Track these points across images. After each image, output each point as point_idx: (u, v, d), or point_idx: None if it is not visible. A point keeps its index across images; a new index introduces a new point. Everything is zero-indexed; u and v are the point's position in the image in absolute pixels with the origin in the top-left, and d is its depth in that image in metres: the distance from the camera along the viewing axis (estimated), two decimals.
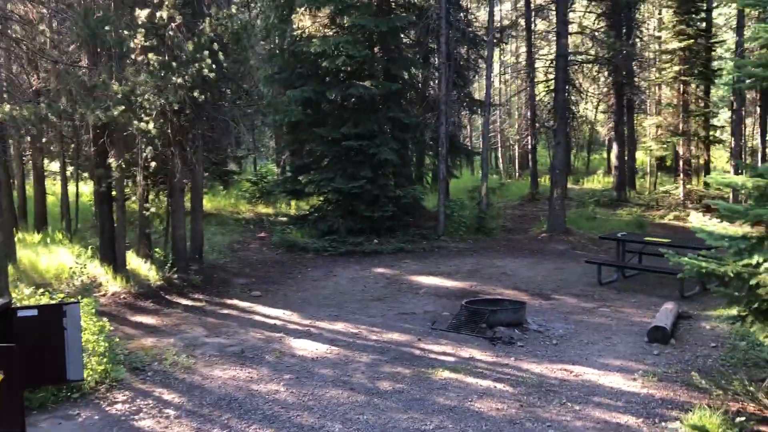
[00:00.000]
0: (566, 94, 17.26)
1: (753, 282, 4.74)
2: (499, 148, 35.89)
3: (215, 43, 11.15)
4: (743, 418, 5.50)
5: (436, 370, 7.84)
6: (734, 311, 5.60)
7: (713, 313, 10.19)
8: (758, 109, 21.49)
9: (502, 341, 8.90)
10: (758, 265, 4.65)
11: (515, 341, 8.92)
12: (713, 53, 20.69)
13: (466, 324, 9.54)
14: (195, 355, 8.69)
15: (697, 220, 4.77)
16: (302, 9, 17.31)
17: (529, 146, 26.13)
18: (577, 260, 14.84)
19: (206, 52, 10.79)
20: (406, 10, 17.20)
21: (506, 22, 27.00)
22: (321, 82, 16.92)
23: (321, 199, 18.22)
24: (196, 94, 11.02)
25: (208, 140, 14.63)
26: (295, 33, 17.50)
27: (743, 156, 21.49)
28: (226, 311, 11.03)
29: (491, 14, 17.58)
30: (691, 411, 6.00)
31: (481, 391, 7.16)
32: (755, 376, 6.86)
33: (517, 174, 33.54)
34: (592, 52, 22.78)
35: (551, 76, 27.62)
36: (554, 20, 28.16)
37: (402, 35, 17.80)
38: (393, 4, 17.80)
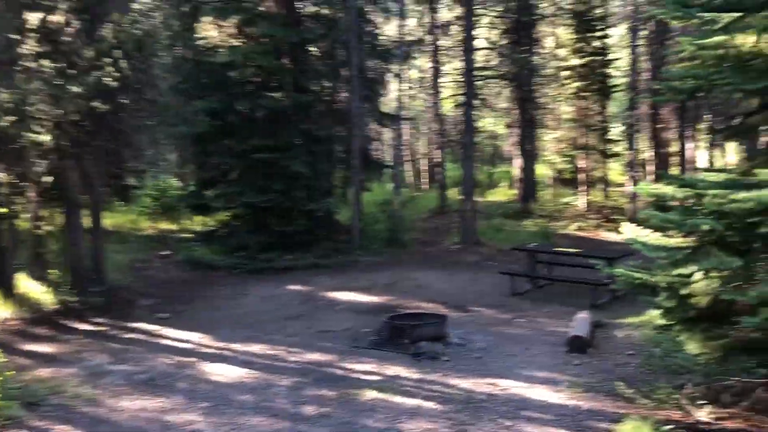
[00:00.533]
0: (474, 108, 17.51)
1: (684, 291, 4.82)
2: (407, 162, 36.16)
3: (117, 50, 10.50)
4: (671, 426, 5.59)
5: (363, 391, 7.58)
6: (661, 320, 5.69)
7: (625, 321, 10.50)
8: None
9: (426, 357, 8.76)
10: (690, 274, 4.74)
11: (439, 356, 8.80)
12: (609, 70, 21.67)
13: (389, 340, 9.34)
14: (99, 385, 8.02)
15: (630, 231, 4.81)
16: (208, 18, 16.76)
17: (437, 160, 26.45)
18: (490, 271, 15.00)
19: (107, 60, 10.13)
20: (316, 22, 16.95)
21: (410, 38, 27.35)
22: (228, 93, 16.36)
23: (229, 213, 17.58)
24: (96, 103, 10.31)
25: (108, 153, 13.77)
26: (200, 43, 16.89)
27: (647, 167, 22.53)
28: (131, 335, 10.32)
29: (401, 28, 17.63)
30: (620, 422, 6.05)
31: (410, 411, 6.96)
32: (675, 382, 7.04)
33: (425, 187, 33.91)
34: (497, 67, 23.30)
35: (458, 91, 28.25)
36: (457, 37, 28.86)
37: (312, 47, 17.52)
38: (302, 15, 17.51)
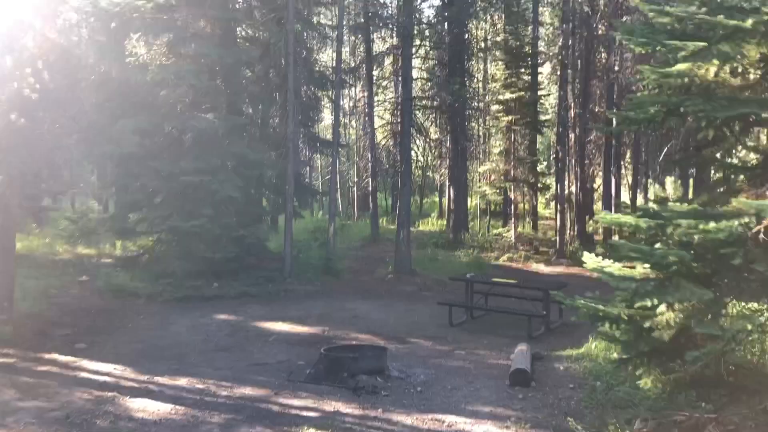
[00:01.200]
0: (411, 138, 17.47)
1: (646, 324, 4.70)
2: (338, 190, 35.94)
3: (39, 61, 9.81)
4: None
5: (301, 429, 7.12)
6: (616, 353, 5.55)
7: (563, 353, 10.46)
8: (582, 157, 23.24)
9: (366, 391, 8.38)
10: (654, 307, 4.62)
11: (379, 390, 8.44)
12: (539, 105, 22.19)
13: (326, 374, 8.91)
14: (6, 424, 7.23)
15: (592, 261, 4.67)
16: (137, 35, 16.14)
17: (369, 188, 26.32)
18: (425, 302, 14.83)
19: (28, 70, 9.43)
20: (252, 44, 16.57)
21: (346, 65, 27.31)
22: (157, 112, 15.72)
23: (152, 239, 16.77)
24: (13, 117, 9.56)
25: (23, 171, 12.83)
26: (129, 60, 16.21)
27: (563, 200, 23.00)
28: (44, 368, 9.47)
29: (339, 54, 17.48)
30: None
31: None
32: (622, 417, 6.93)
33: (356, 216, 33.69)
34: (429, 98, 23.48)
35: (392, 120, 28.30)
36: (392, 67, 29.03)
37: (248, 69, 17.12)
38: (237, 37, 17.12)
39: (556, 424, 7.12)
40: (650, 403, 7.16)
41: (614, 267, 4.58)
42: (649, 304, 4.63)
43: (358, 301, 14.71)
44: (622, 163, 24.82)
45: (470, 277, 13.26)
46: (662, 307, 4.63)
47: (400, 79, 28.22)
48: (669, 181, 8.12)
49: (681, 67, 4.43)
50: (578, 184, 22.81)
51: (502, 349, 10.84)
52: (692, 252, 3.99)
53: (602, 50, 21.47)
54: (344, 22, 17.71)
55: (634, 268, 4.65)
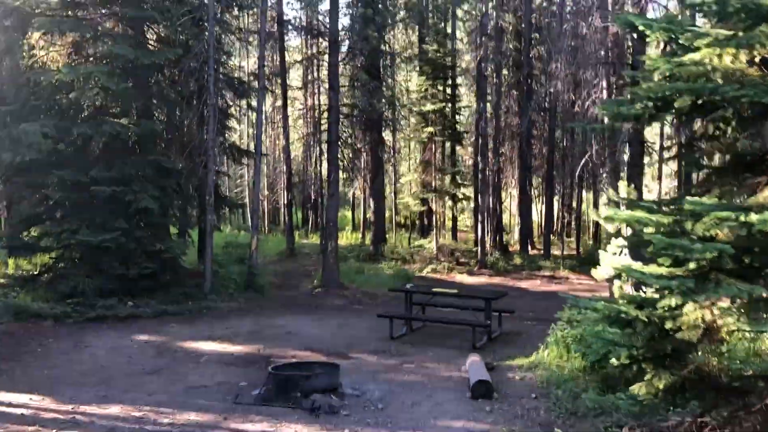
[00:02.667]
0: (338, 147, 16.97)
1: (668, 326, 4.46)
2: (249, 203, 34.81)
3: None
4: None
5: None
6: (619, 359, 5.30)
7: (512, 362, 10.24)
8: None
9: (324, 411, 7.77)
10: (677, 307, 4.39)
11: (338, 410, 7.85)
12: (458, 117, 22.30)
13: (277, 394, 8.22)
14: None
15: (612, 261, 4.37)
16: (39, 34, 14.78)
17: (284, 201, 25.53)
18: (359, 315, 14.35)
19: None
20: (168, 46, 15.54)
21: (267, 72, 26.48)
22: (63, 116, 14.43)
23: (54, 255, 15.32)
24: None
25: None
26: (29, 60, 14.82)
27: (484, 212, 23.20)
28: None
29: (262, 58, 16.75)
30: None
31: None
32: (600, 424, 6.72)
33: (266, 230, 32.67)
34: (348, 109, 23.06)
35: (307, 131, 27.69)
36: (302, 77, 28.47)
37: (162, 73, 16.06)
38: (151, 39, 16.05)
39: None
40: (627, 409, 7.01)
41: (642, 266, 4.31)
42: (673, 303, 4.42)
43: (287, 317, 14.00)
44: (532, 176, 25.43)
45: (410, 288, 12.86)
46: (689, 306, 4.42)
47: (318, 87, 27.85)
48: (621, 185, 8.14)
49: (697, 56, 4.27)
50: (496, 195, 23.08)
51: (449, 360, 10.53)
52: (733, 245, 3.79)
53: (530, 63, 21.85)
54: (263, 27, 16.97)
55: (659, 266, 4.40)
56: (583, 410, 7.51)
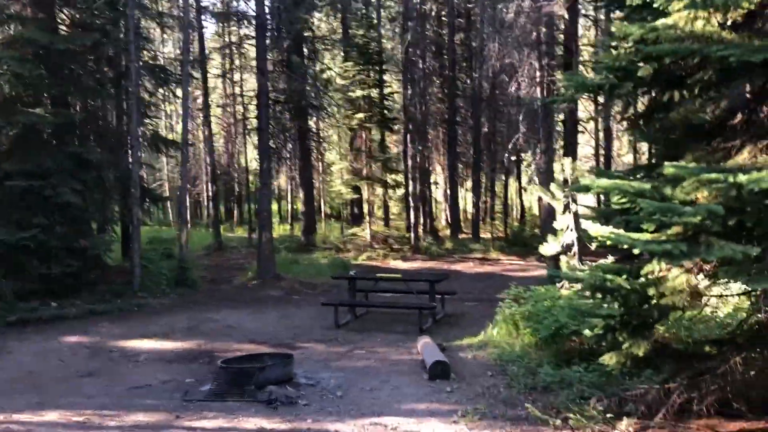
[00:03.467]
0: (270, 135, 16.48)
1: (651, 292, 4.47)
2: (169, 195, 33.59)
3: None
4: None
5: None
6: (593, 330, 5.30)
7: (461, 342, 10.26)
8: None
9: (282, 402, 7.48)
10: (658, 273, 4.41)
11: (296, 400, 7.57)
12: (386, 103, 22.17)
13: (230, 388, 7.85)
14: None
15: (598, 230, 4.32)
16: None
17: (209, 193, 24.76)
18: (298, 306, 14.07)
19: None
20: (85, 31, 14.63)
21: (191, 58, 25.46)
22: None
23: None
24: None
25: None
26: None
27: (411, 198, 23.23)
28: None
29: (186, 43, 16.04)
30: None
31: None
32: (564, 398, 6.76)
33: (189, 224, 31.57)
34: (274, 96, 22.52)
35: (227, 120, 26.89)
36: (225, 65, 27.65)
37: (78, 59, 15.10)
38: (64, 22, 15.07)
39: (503, 412, 6.78)
40: (590, 380, 7.10)
41: (635, 234, 4.27)
42: (657, 269, 4.43)
43: (224, 311, 13.53)
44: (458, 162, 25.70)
45: (354, 275, 12.67)
46: (675, 271, 4.45)
47: (241, 75, 27.11)
48: (566, 161, 8.25)
49: (670, 20, 4.28)
50: (425, 181, 23.17)
51: (398, 345, 10.46)
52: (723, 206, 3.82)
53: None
54: (180, 12, 16.29)
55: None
56: (542, 385, 7.58)
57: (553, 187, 9.12)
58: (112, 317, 12.96)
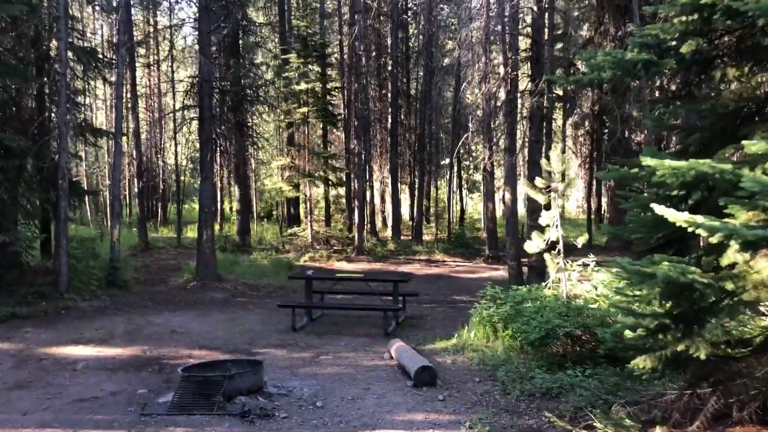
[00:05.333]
0: (212, 124, 15.33)
1: (729, 287, 3.97)
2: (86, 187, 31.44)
3: None
4: None
5: None
6: (638, 331, 4.77)
7: (434, 346, 9.69)
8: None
9: (257, 415, 6.64)
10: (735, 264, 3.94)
11: (272, 412, 6.74)
12: (331, 98, 21.39)
13: (195, 400, 6.91)
14: None
15: (674, 215, 3.79)
16: None
17: (135, 189, 23.19)
18: (246, 308, 13.12)
19: None
20: (7, 3, 13.11)
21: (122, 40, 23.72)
22: None
23: None
24: None
25: None
26: None
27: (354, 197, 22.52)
28: None
29: (123, 24, 14.71)
30: None
31: None
32: (573, 404, 6.26)
33: (108, 223, 29.64)
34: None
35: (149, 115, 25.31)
36: (150, 55, 26.08)
37: None
38: None
39: (511, 422, 6.20)
40: (592, 385, 6.65)
41: (732, 220, 3.77)
42: (741, 260, 3.96)
43: (165, 314, 12.41)
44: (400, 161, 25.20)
45: (311, 274, 11.85)
46: (762, 262, 4.00)
47: (172, 64, 25.60)
48: (554, 153, 7.81)
49: None
50: (368, 181, 22.53)
51: (366, 349, 9.78)
52: None
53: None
54: None
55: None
56: (540, 391, 7.08)
57: (538, 181, 8.66)
58: (38, 321, 11.60)
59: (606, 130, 18.53)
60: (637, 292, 5.13)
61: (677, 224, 3.77)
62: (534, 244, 8.55)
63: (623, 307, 4.89)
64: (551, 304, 8.17)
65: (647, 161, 4.20)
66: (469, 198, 35.61)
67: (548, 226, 8.51)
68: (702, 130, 5.12)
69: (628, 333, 4.83)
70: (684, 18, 4.50)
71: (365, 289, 12.29)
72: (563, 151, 9.44)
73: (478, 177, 30.66)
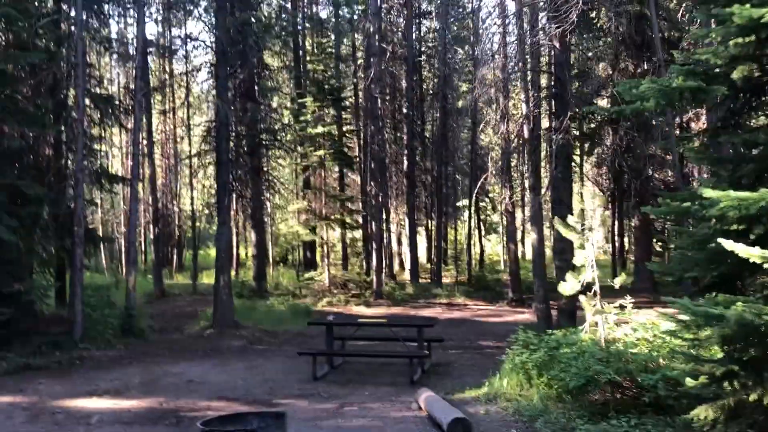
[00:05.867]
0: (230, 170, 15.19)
1: None
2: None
3: None
4: None
5: None
6: (701, 378, 4.36)
7: (463, 395, 9.21)
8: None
9: None
10: None
11: None
12: (348, 141, 21.29)
13: None
14: None
15: (743, 248, 3.45)
16: None
17: (151, 235, 23.04)
18: (265, 356, 12.71)
19: None
20: (25, 51, 13.16)
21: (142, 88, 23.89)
22: None
23: None
24: None
25: None
26: None
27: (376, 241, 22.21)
28: None
29: (141, 70, 14.72)
30: None
31: None
32: None
33: (124, 270, 29.50)
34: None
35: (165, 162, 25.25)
36: (166, 102, 26.20)
37: (16, 82, 13.59)
38: (2, 40, 13.59)
39: None
40: None
41: None
42: None
43: (182, 364, 12.01)
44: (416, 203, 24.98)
45: (333, 320, 11.46)
46: None
47: (187, 109, 25.72)
48: (587, 194, 7.60)
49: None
50: (386, 224, 22.27)
51: (392, 399, 9.30)
52: None
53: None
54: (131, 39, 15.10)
55: None
56: None
57: (570, 219, 8.31)
58: (52, 372, 11.25)
59: (626, 169, 18.18)
60: (690, 336, 4.73)
61: (750, 259, 3.41)
62: (569, 286, 8.15)
63: (685, 353, 4.49)
64: (590, 349, 7.72)
65: (708, 192, 3.87)
66: (486, 239, 35.15)
67: (583, 266, 8.11)
68: (757, 161, 4.79)
69: (689, 381, 4.42)
70: (740, 40, 4.22)
71: (388, 334, 11.85)
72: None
73: (495, 218, 30.33)
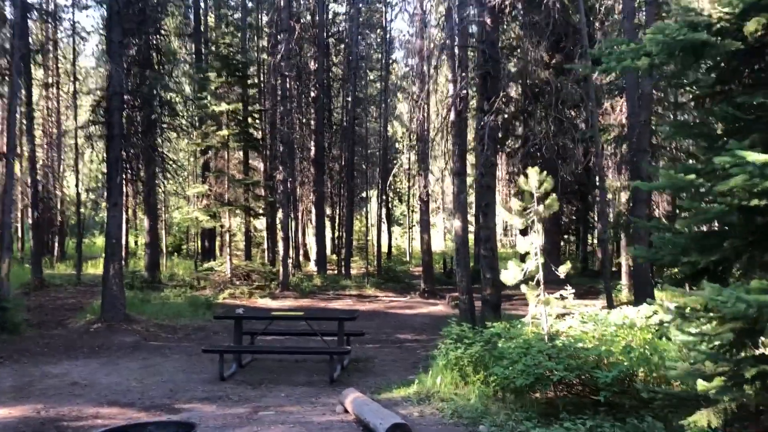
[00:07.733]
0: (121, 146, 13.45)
1: None
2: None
3: None
4: None
5: None
6: (715, 380, 3.71)
7: (391, 395, 8.37)
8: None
9: None
10: None
11: None
12: (254, 121, 19.87)
13: None
14: None
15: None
16: None
17: (30, 220, 20.70)
18: (162, 353, 11.35)
19: None
20: None
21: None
22: None
23: None
24: None
25: None
26: None
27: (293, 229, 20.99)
28: None
29: (19, 30, 12.74)
30: None
31: None
32: None
33: (11, 253, 26.54)
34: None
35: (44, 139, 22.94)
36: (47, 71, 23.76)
37: None
38: None
39: None
40: None
41: None
42: None
43: (65, 363, 10.47)
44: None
45: (242, 313, 10.28)
46: None
47: (74, 81, 23.30)
48: (531, 172, 7.01)
49: None
50: (294, 213, 21.08)
51: (311, 401, 8.32)
52: None
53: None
54: None
55: None
56: None
57: (514, 203, 7.63)
58: None
59: (540, 160, 17.94)
60: (694, 330, 4.08)
61: None
62: (511, 275, 7.48)
63: (703, 350, 3.83)
64: (537, 344, 7.07)
65: (722, 159, 3.20)
66: (392, 230, 34.65)
67: (527, 254, 7.46)
68: (762, 130, 4.20)
69: (701, 383, 3.76)
70: None
71: (303, 329, 10.84)
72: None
73: (402, 209, 29.79)
